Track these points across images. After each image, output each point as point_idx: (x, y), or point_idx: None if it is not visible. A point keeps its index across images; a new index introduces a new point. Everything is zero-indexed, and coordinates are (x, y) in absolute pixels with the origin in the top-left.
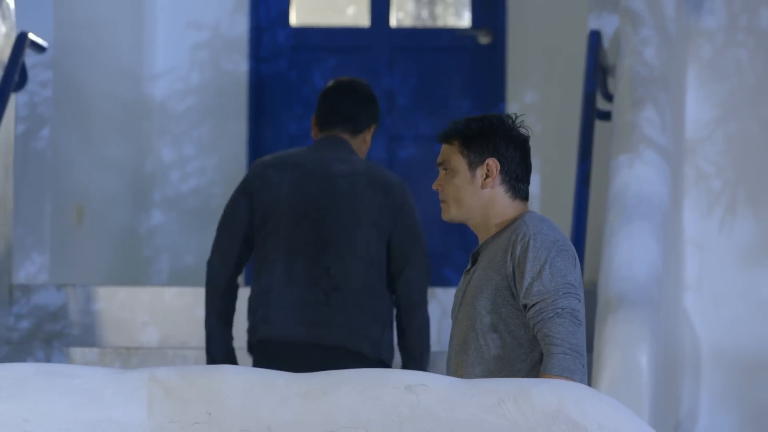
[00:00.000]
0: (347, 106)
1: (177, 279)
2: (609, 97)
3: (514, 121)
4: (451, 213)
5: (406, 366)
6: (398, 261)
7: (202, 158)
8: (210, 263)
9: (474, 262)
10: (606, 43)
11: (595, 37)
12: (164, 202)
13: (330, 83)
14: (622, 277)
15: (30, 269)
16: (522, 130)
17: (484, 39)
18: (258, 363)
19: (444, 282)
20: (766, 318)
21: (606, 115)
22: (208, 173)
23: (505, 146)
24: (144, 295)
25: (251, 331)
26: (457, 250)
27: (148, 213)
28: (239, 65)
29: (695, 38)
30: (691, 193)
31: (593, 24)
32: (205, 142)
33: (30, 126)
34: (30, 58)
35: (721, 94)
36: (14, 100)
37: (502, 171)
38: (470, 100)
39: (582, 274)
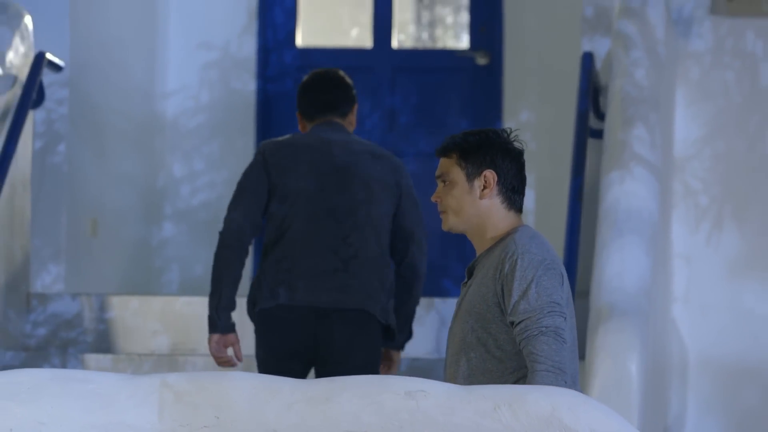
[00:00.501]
0: (329, 95)
1: (187, 288)
2: (601, 116)
3: (509, 135)
4: (450, 223)
5: (400, 322)
6: (404, 234)
7: (212, 173)
8: (226, 227)
9: (470, 275)
10: (598, 64)
11: (588, 59)
12: (175, 215)
13: (306, 77)
14: (613, 289)
15: (46, 279)
16: (517, 144)
17: (481, 60)
18: (265, 330)
19: (443, 293)
20: (750, 328)
21: (598, 134)
22: (217, 187)
23: (501, 158)
24: (155, 304)
25: (259, 297)
26: (455, 262)
27: (159, 225)
28: (247, 84)
29: (684, 60)
30: (679, 208)
31: (586, 46)
32: (215, 158)
33: (47, 142)
34: (47, 77)
35: (708, 114)
36: (32, 116)
37: (498, 182)
38: (468, 118)
39: (574, 286)
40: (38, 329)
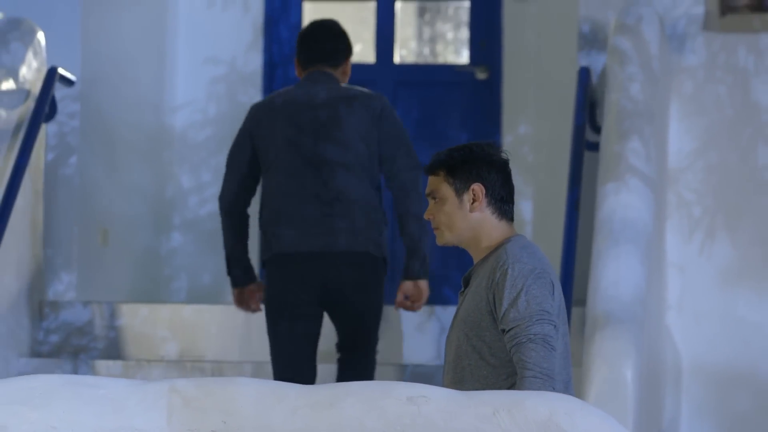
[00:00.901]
0: (325, 44)
1: (195, 297)
2: (597, 129)
3: (493, 147)
4: (445, 238)
5: (409, 252)
6: (388, 161)
7: (219, 184)
8: (221, 197)
9: (466, 284)
10: (595, 79)
11: (584, 74)
12: (183, 225)
13: (305, 27)
14: (608, 297)
15: (59, 287)
16: (502, 155)
17: (481, 75)
18: (275, 273)
19: (443, 301)
20: (742, 335)
21: (594, 146)
22: None
23: (487, 171)
24: (164, 311)
25: (265, 248)
26: (455, 271)
27: (168, 235)
28: (253, 98)
29: (677, 75)
30: (673, 219)
31: (583, 61)
32: (222, 170)
33: (59, 154)
34: (59, 91)
35: (701, 127)
36: (44, 130)
37: (487, 194)
38: (469, 131)
39: (571, 294)
40: (51, 336)
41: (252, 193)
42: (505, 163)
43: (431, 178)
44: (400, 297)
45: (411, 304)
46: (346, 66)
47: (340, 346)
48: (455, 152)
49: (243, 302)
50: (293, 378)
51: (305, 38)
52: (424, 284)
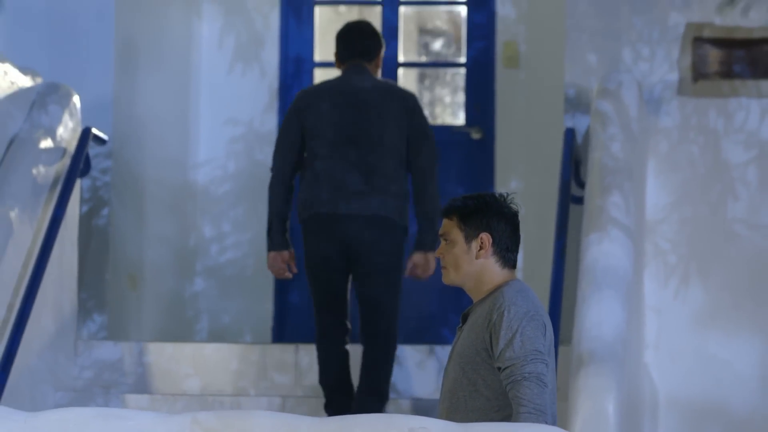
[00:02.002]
0: (360, 42)
1: (215, 336)
2: (582, 185)
3: (505, 199)
4: (450, 277)
5: (422, 225)
6: (414, 149)
7: (238, 234)
8: (274, 169)
9: (464, 320)
10: (579, 139)
11: (570, 134)
12: (205, 271)
13: (342, 27)
14: (592, 337)
15: (92, 327)
16: (512, 206)
17: (476, 135)
18: (312, 230)
19: (442, 341)
20: (713, 372)
21: (579, 200)
22: (242, 247)
23: (496, 222)
24: (187, 350)
25: (305, 207)
26: (452, 313)
27: (191, 280)
28: (269, 156)
29: (654, 135)
30: (650, 266)
31: (568, 123)
32: (240, 221)
33: (92, 206)
34: (93, 149)
35: (676, 183)
36: (79, 184)
37: (493, 244)
38: (465, 186)
39: (558, 335)
40: (84, 372)
41: (299, 167)
42: (514, 215)
43: (445, 221)
44: (410, 266)
45: (420, 274)
46: (379, 60)
47: (363, 325)
48: (469, 200)
49: (276, 265)
50: (328, 310)
51: (343, 37)
52: (432, 256)
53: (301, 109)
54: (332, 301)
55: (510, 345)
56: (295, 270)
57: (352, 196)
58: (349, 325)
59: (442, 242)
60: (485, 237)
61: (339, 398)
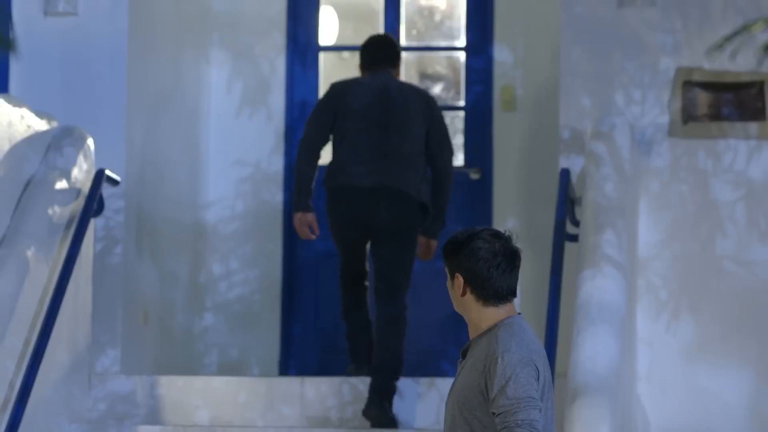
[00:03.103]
0: (382, 52)
1: (224, 370)
2: (576, 223)
3: (492, 237)
4: (455, 308)
5: (431, 216)
6: (434, 149)
7: (246, 272)
8: (304, 140)
9: (464, 356)
10: (574, 179)
11: (565, 174)
12: (214, 307)
13: (366, 40)
14: (587, 370)
15: (105, 361)
16: (493, 245)
17: (474, 175)
18: (337, 199)
19: (442, 373)
20: (703, 403)
21: (574, 238)
22: (250, 284)
23: (467, 261)
24: (197, 382)
25: (332, 178)
26: (452, 347)
27: (201, 316)
28: (275, 196)
29: (646, 175)
30: (643, 301)
31: (563, 163)
32: (248, 259)
33: (106, 245)
34: (106, 190)
35: (666, 221)
36: (93, 224)
37: (468, 283)
38: (463, 224)
39: (554, 367)
40: (98, 404)
41: (326, 142)
42: (495, 254)
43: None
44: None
45: (420, 255)
46: (399, 68)
47: (377, 287)
48: (451, 241)
49: (302, 225)
50: (351, 266)
51: (367, 48)
52: (433, 243)
53: (335, 95)
54: (353, 257)
55: (503, 392)
56: (317, 232)
57: (374, 171)
58: (367, 273)
59: None
60: (459, 277)
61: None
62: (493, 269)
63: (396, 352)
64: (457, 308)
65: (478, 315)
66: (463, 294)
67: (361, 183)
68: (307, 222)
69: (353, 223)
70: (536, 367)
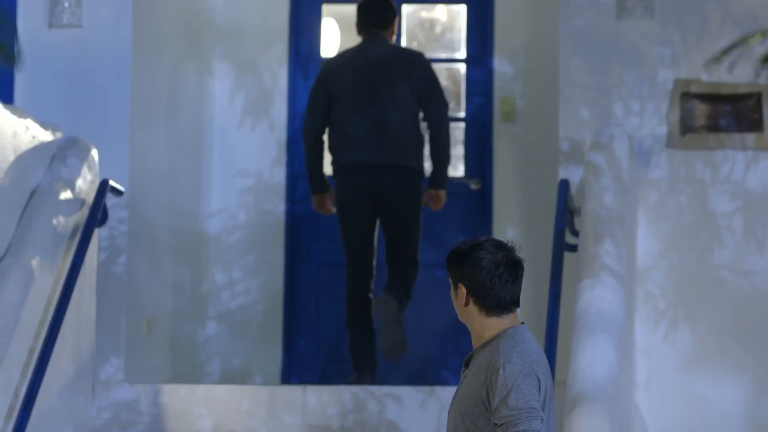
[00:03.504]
0: (375, 13)
1: (227, 378)
2: (575, 233)
3: (495, 247)
4: (459, 317)
5: (434, 167)
6: (425, 104)
7: (248, 281)
8: (306, 128)
9: (466, 365)
10: (573, 189)
11: (564, 185)
12: (217, 316)
13: (361, 1)
14: (586, 378)
15: (109, 370)
16: (496, 256)
17: (475, 186)
18: (342, 179)
19: (442, 382)
20: (701, 411)
21: (573, 248)
22: (252, 293)
23: (470, 272)
24: (200, 391)
25: (334, 160)
26: (453, 356)
27: (204, 325)
28: (278, 206)
29: (644, 186)
30: (641, 311)
31: (563, 174)
32: (250, 268)
33: (110, 254)
34: (110, 200)
35: (665, 231)
36: (97, 234)
37: (470, 293)
38: (464, 234)
39: (553, 376)
40: (102, 413)
41: (327, 125)
42: (497, 264)
43: None
44: (425, 199)
45: (432, 207)
46: (393, 27)
47: (388, 254)
48: (454, 251)
49: (321, 205)
50: (357, 250)
51: (360, 9)
52: (442, 193)
53: (326, 79)
54: (360, 240)
55: (505, 403)
56: (332, 210)
57: (370, 148)
58: (374, 269)
59: None
60: (462, 288)
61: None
62: (495, 279)
63: (407, 285)
64: (460, 318)
65: (481, 325)
66: (466, 304)
67: (362, 160)
68: (323, 200)
69: (359, 202)
70: (538, 377)
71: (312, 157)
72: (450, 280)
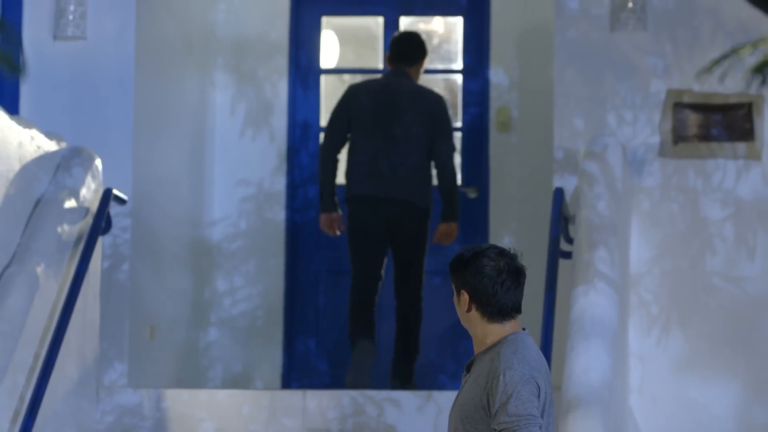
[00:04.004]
0: (406, 48)
1: (228, 383)
2: (570, 241)
3: (497, 255)
4: (462, 323)
5: (444, 201)
6: (436, 143)
7: (249, 288)
8: (324, 147)
9: (468, 370)
10: (567, 197)
11: (558, 193)
12: (218, 323)
13: (396, 34)
14: (580, 383)
15: (113, 375)
16: (499, 263)
17: (472, 194)
18: (355, 209)
19: (440, 386)
20: (693, 416)
21: (568, 255)
22: (253, 300)
23: (473, 278)
24: (202, 395)
25: (348, 189)
26: (449, 360)
27: (206, 331)
28: (278, 214)
29: (637, 194)
30: (634, 316)
31: (557, 182)
32: (251, 275)
33: (113, 262)
34: (114, 208)
35: (657, 238)
36: (101, 242)
37: (472, 300)
38: (461, 242)
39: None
40: (106, 417)
41: (343, 146)
42: (500, 271)
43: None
44: (437, 235)
45: (445, 242)
46: (420, 66)
47: (396, 279)
48: (457, 258)
49: (328, 225)
50: (366, 276)
51: (394, 41)
52: (454, 225)
53: (349, 102)
54: (369, 268)
55: (504, 409)
56: (343, 228)
57: (384, 183)
58: (381, 280)
59: None
60: (464, 293)
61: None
62: (498, 286)
63: (414, 339)
64: (463, 323)
65: (483, 331)
66: (468, 310)
67: (374, 192)
68: (332, 221)
69: (371, 232)
70: (537, 384)
71: (327, 172)
72: (453, 286)
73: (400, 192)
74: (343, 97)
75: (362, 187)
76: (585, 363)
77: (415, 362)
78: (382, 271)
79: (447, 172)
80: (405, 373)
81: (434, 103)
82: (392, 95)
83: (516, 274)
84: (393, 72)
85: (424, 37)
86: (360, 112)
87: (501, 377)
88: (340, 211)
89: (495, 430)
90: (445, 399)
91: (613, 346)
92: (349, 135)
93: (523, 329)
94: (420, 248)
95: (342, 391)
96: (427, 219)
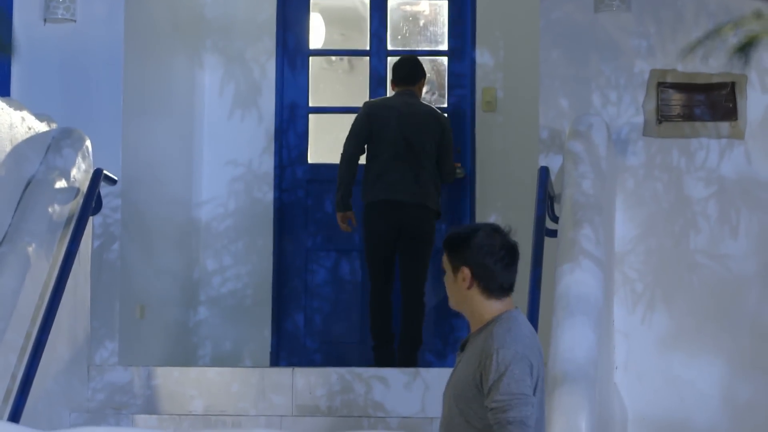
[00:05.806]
0: (408, 71)
1: (218, 361)
2: (555, 219)
3: (494, 232)
4: (451, 304)
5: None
6: (442, 156)
7: (238, 267)
8: (345, 153)
9: (463, 348)
10: (553, 176)
11: (544, 172)
12: (208, 301)
13: (396, 60)
14: (566, 359)
15: (103, 354)
16: (497, 240)
17: (458, 174)
18: (374, 213)
19: (426, 364)
20: (678, 391)
21: (553, 233)
22: (242, 279)
23: (475, 255)
24: (192, 373)
25: (366, 194)
26: (435, 338)
27: (195, 310)
28: (267, 194)
29: (622, 173)
30: (619, 294)
31: (543, 161)
32: (240, 255)
33: (103, 242)
34: (104, 189)
35: (641, 217)
36: (91, 221)
37: (474, 277)
38: (447, 221)
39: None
40: (97, 395)
41: (362, 153)
42: (500, 248)
43: (444, 253)
44: None
45: None
46: (421, 84)
47: (403, 274)
48: (454, 235)
49: (343, 222)
50: (379, 272)
51: (395, 67)
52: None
53: (370, 114)
54: (383, 266)
55: (497, 388)
56: (355, 224)
57: (399, 188)
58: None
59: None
60: (466, 270)
61: (383, 348)
62: (498, 263)
63: (418, 329)
64: (456, 303)
65: (481, 308)
66: (470, 287)
67: (390, 197)
68: (346, 218)
69: (385, 234)
70: (530, 362)
71: (345, 178)
72: (447, 266)
73: (417, 197)
74: (366, 108)
75: (383, 193)
76: (570, 340)
77: (418, 351)
78: (395, 268)
79: (449, 179)
80: (408, 360)
81: (443, 122)
82: (409, 112)
83: (512, 250)
84: (403, 93)
85: (418, 59)
86: (381, 126)
87: (494, 355)
88: (352, 210)
89: (488, 408)
90: (432, 376)
91: (598, 323)
92: (370, 144)
93: (516, 308)
94: (428, 245)
95: (330, 368)
96: (435, 220)
